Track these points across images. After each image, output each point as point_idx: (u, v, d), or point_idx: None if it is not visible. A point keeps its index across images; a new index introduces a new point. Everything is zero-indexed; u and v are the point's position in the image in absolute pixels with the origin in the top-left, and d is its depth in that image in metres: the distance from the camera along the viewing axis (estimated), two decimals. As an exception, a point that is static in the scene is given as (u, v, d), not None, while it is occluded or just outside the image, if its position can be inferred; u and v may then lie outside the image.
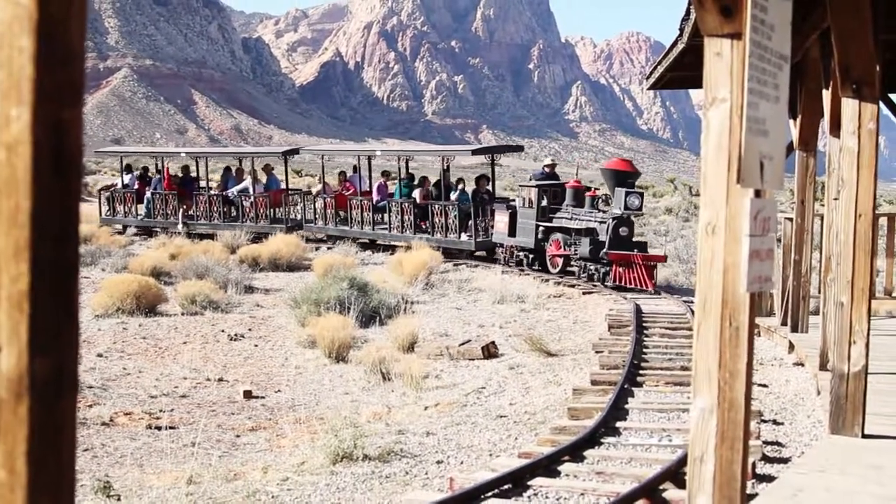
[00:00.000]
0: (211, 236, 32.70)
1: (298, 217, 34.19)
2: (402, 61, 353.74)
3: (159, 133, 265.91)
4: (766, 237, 3.68)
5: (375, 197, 31.05)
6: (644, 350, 14.33)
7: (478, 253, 28.08)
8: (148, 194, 36.62)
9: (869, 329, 7.46)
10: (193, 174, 37.78)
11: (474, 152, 33.05)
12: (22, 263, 1.23)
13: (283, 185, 35.51)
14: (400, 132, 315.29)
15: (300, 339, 16.98)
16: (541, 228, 24.08)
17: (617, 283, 21.10)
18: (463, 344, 16.04)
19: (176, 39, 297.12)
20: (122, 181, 38.52)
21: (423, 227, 29.01)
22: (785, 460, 8.63)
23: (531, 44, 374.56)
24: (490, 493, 7.68)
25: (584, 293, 21.70)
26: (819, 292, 13.30)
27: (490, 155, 30.90)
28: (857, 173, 7.29)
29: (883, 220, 16.06)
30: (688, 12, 10.89)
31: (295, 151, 37.56)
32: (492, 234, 26.77)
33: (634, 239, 22.42)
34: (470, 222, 27.60)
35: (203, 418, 11.99)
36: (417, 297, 21.32)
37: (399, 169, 31.51)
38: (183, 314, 19.56)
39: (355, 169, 33.07)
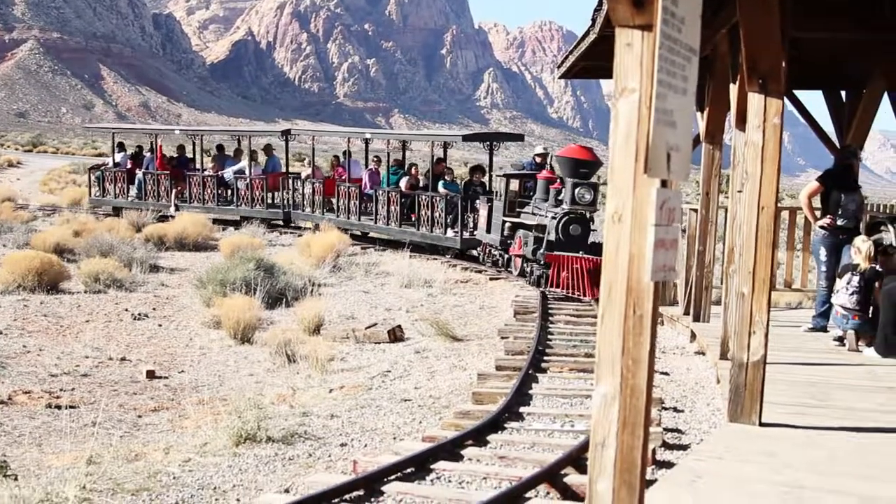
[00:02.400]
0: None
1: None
2: (315, 43, 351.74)
3: (65, 108, 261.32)
4: (672, 227, 3.73)
5: (366, 184, 28.59)
6: (549, 336, 14.44)
7: (470, 252, 24.83)
8: (139, 174, 34.71)
9: (769, 320, 7.61)
10: (190, 154, 35.65)
11: (465, 138, 29.14)
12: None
13: (283, 168, 33.14)
14: (311, 114, 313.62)
15: (205, 320, 16.83)
16: (507, 224, 21.53)
17: (553, 287, 18.55)
18: (369, 327, 16.03)
19: (84, 13, 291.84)
20: (114, 160, 36.25)
21: (412, 219, 26.54)
22: (685, 447, 8.76)
23: (444, 29, 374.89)
24: (393, 477, 7.69)
25: (490, 279, 21.78)
26: (721, 283, 13.52)
27: (488, 143, 27.21)
28: (761, 167, 7.42)
29: (785, 214, 16.36)
30: (600, 3, 10.97)
31: (287, 132, 33.85)
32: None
33: (594, 239, 19.15)
34: (468, 218, 24.52)
35: (104, 398, 11.82)
36: (324, 280, 21.26)
37: (388, 154, 29.17)
38: (86, 292, 19.26)
39: (349, 154, 30.27)
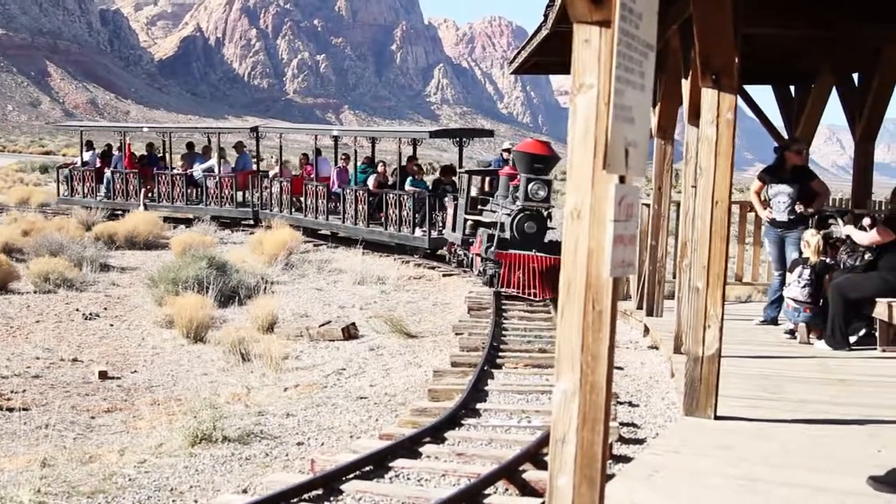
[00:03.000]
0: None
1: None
2: (264, 38, 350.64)
3: (11, 105, 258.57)
4: (630, 222, 3.74)
5: (334, 183, 27.99)
6: (503, 332, 14.47)
7: (439, 252, 24.11)
8: (108, 173, 33.96)
9: (723, 314, 7.66)
10: (160, 152, 34.93)
11: (433, 134, 28.47)
12: None
13: (253, 166, 32.54)
14: (261, 110, 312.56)
15: (157, 319, 16.70)
16: (468, 223, 20.68)
17: (504, 287, 17.73)
18: (323, 325, 15.99)
19: (30, 9, 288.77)
20: (82, 159, 35.46)
21: (380, 218, 25.74)
22: (640, 441, 8.81)
23: (394, 25, 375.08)
24: (352, 475, 7.67)
25: (444, 275, 21.80)
26: (673, 277, 13.61)
27: (458, 140, 25.85)
28: (714, 161, 7.46)
29: (735, 208, 16.47)
30: (552, -1, 11.00)
31: (254, 129, 32.78)
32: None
33: (553, 238, 18.45)
34: (437, 217, 23.84)
35: (57, 399, 11.71)
36: (277, 278, 21.18)
37: (355, 152, 28.55)
38: (36, 292, 19.05)
39: (319, 151, 29.35)
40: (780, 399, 8.42)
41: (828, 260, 11.32)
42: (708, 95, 7.42)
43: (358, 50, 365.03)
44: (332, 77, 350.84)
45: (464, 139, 26.14)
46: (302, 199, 29.27)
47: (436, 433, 8.98)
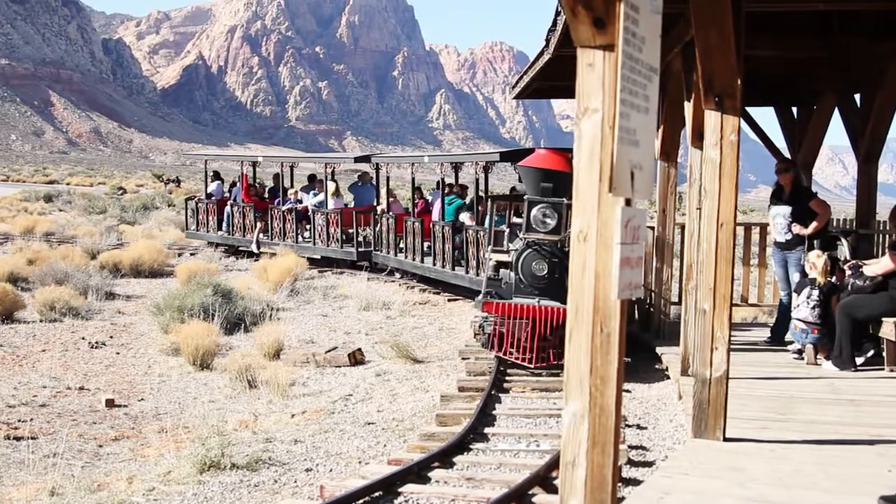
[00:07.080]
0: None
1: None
2: (266, 66, 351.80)
3: (15, 135, 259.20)
4: (636, 245, 3.75)
5: (435, 218, 23.59)
6: (510, 356, 14.43)
7: None
8: (228, 207, 31.63)
9: (730, 335, 7.65)
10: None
11: (503, 156, 21.93)
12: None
13: (374, 200, 28.50)
14: (263, 137, 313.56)
15: (163, 347, 16.70)
16: (491, 262, 15.75)
17: (493, 350, 13.81)
18: (329, 351, 15.99)
19: (33, 39, 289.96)
20: (206, 190, 33.63)
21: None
22: (649, 464, 8.80)
23: (396, 51, 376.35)
24: (361, 501, 7.67)
25: (449, 300, 21.76)
26: (678, 300, 13.60)
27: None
28: (719, 184, 7.47)
29: (739, 230, 16.49)
30: (554, 23, 11.05)
31: (366, 158, 29.70)
32: None
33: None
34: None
35: (64, 428, 11.71)
36: (283, 304, 21.18)
37: (442, 181, 23.86)
38: (42, 321, 19.06)
39: (414, 183, 26.07)
40: (789, 420, 8.41)
41: (834, 280, 11.31)
42: (711, 118, 7.44)
43: (360, 76, 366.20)
44: (335, 104, 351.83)
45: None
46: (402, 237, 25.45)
47: (444, 458, 8.98)
